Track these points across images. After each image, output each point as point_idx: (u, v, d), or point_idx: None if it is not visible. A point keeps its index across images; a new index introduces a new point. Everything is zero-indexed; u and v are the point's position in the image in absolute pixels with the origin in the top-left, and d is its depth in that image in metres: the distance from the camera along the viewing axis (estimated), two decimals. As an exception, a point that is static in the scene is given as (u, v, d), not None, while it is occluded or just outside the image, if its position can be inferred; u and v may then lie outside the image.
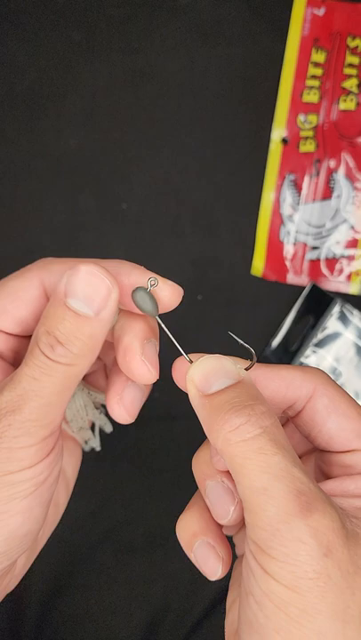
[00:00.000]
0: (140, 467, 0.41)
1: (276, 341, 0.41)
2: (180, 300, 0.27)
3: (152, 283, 0.25)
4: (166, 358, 0.44)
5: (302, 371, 0.25)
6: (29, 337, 0.27)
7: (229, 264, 0.42)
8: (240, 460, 0.21)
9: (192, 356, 0.25)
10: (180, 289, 0.27)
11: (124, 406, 0.27)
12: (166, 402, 0.42)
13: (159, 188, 0.42)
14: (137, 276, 0.25)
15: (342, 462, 0.24)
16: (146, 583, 0.40)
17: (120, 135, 0.43)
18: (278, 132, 0.42)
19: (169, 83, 0.42)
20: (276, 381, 0.24)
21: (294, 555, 0.19)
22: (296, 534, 0.19)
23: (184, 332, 0.42)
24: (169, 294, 0.26)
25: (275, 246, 0.42)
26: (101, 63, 0.42)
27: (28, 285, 0.25)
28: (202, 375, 0.24)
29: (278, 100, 0.42)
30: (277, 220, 0.42)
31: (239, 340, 0.26)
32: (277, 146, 0.42)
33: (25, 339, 0.27)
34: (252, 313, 0.42)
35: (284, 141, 0.42)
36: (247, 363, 0.25)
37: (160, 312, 0.26)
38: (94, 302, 0.22)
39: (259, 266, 0.42)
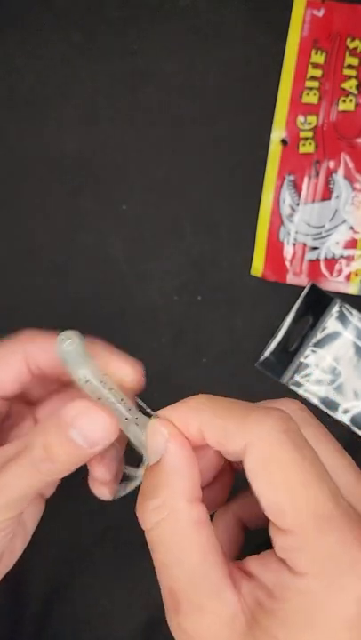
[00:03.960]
0: (139, 466, 0.41)
1: (275, 341, 0.41)
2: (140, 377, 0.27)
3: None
4: (166, 358, 0.44)
5: (242, 421, 0.22)
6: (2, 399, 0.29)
7: (229, 264, 0.42)
8: None
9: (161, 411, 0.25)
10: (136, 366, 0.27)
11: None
12: (166, 402, 0.42)
13: (159, 189, 0.43)
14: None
15: (270, 528, 0.22)
16: (146, 583, 0.40)
17: (120, 136, 0.43)
18: (278, 133, 0.42)
19: (168, 84, 0.43)
20: (215, 432, 0.23)
21: None
22: (171, 627, 0.21)
23: (184, 333, 0.42)
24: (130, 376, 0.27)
25: (274, 247, 0.42)
26: (101, 64, 0.43)
27: (11, 354, 0.28)
28: (148, 443, 0.24)
29: (278, 101, 0.42)
30: (277, 220, 0.42)
31: (144, 406, 0.26)
32: (277, 147, 0.42)
33: None
34: (251, 313, 0.42)
35: (284, 142, 0.42)
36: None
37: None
38: (92, 439, 0.24)
39: (258, 266, 0.42)
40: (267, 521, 0.26)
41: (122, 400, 0.26)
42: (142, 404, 0.26)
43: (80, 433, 0.24)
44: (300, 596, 0.20)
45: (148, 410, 0.25)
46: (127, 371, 0.27)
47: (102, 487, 0.28)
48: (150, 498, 0.22)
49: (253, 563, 0.22)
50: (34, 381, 0.30)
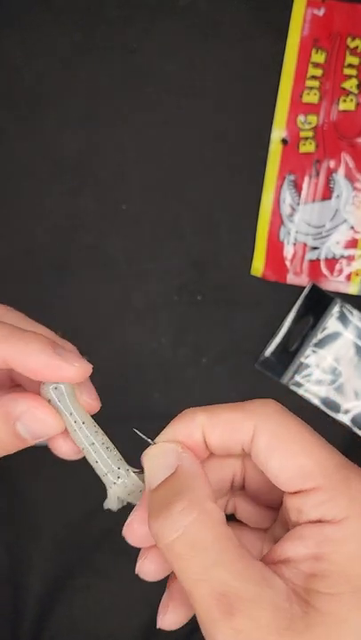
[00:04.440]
0: (139, 466, 0.41)
1: (275, 341, 0.41)
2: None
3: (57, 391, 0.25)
4: (166, 358, 0.44)
5: (242, 409, 0.23)
6: None
7: (229, 264, 0.42)
8: (169, 563, 0.21)
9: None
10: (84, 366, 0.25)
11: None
12: (165, 402, 0.42)
13: (159, 189, 0.43)
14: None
15: (293, 506, 0.22)
16: (146, 583, 0.40)
17: (120, 135, 0.43)
18: (278, 133, 0.42)
19: (168, 83, 0.42)
20: (219, 427, 0.23)
21: None
22: (221, 638, 0.19)
23: (184, 333, 0.42)
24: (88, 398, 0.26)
25: (275, 246, 0.42)
26: (101, 63, 0.43)
27: None
28: (147, 469, 0.24)
29: (278, 101, 0.42)
30: (277, 220, 0.42)
31: (142, 436, 0.25)
32: (277, 146, 0.42)
33: None
34: (251, 313, 0.42)
35: (284, 142, 0.42)
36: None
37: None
38: (37, 434, 0.24)
39: (259, 266, 0.42)
40: (263, 516, 0.26)
41: (108, 448, 0.25)
42: (140, 434, 0.26)
43: (26, 428, 0.24)
44: (350, 540, 0.21)
45: (148, 440, 0.25)
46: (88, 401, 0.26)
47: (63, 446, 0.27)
48: (173, 502, 0.22)
49: (284, 546, 0.22)
50: None
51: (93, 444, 0.25)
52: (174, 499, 0.22)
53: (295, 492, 0.22)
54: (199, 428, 0.24)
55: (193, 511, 0.21)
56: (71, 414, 0.25)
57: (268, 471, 0.22)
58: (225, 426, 0.23)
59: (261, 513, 0.26)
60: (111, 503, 0.26)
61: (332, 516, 0.21)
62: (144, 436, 0.25)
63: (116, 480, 0.25)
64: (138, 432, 0.25)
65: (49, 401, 0.25)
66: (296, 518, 0.22)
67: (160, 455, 0.24)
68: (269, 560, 0.22)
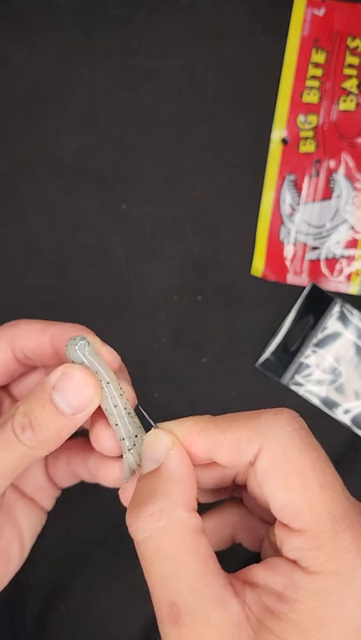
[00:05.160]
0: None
1: (276, 341, 0.41)
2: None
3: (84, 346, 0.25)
4: (166, 358, 0.44)
5: (250, 427, 0.22)
6: None
7: (229, 264, 0.42)
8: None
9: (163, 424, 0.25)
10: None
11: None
12: (166, 402, 0.42)
13: (159, 189, 0.43)
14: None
15: (279, 534, 0.21)
16: (146, 583, 0.40)
17: (120, 135, 0.43)
18: (278, 133, 0.42)
19: (169, 83, 0.42)
20: (226, 447, 0.22)
21: None
22: None
23: (184, 333, 0.42)
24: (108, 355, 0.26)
25: (275, 246, 0.42)
26: (101, 63, 0.42)
27: None
28: (144, 452, 0.24)
29: (278, 101, 0.42)
30: (277, 220, 0.42)
31: (146, 415, 0.25)
32: (277, 146, 0.42)
33: None
34: (252, 313, 0.42)
35: (284, 142, 0.42)
36: (204, 418, 0.24)
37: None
38: (75, 404, 0.23)
39: (259, 266, 0.42)
40: (256, 536, 0.26)
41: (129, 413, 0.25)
42: (145, 414, 0.25)
43: (63, 397, 0.23)
44: (315, 596, 0.20)
45: (151, 421, 0.25)
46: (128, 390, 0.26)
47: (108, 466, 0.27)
48: (146, 504, 0.21)
49: (256, 570, 0.21)
50: (19, 368, 0.29)
51: (117, 406, 0.25)
52: (147, 500, 0.22)
53: (283, 524, 0.21)
54: (204, 443, 0.23)
55: (161, 519, 0.21)
56: (97, 372, 0.24)
57: (263, 492, 0.22)
58: (232, 446, 0.22)
59: (264, 511, 0.26)
60: (124, 471, 0.26)
61: (308, 565, 0.20)
62: (147, 416, 0.25)
63: (132, 447, 0.25)
64: (142, 411, 0.25)
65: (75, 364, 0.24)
66: (279, 546, 0.21)
67: (152, 443, 0.23)
68: (241, 577, 0.22)
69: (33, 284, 0.42)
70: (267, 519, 0.26)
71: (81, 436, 0.33)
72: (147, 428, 0.25)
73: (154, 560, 0.21)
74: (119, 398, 0.25)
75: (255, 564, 0.22)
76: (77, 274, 0.42)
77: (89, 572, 0.41)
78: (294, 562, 0.21)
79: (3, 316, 0.42)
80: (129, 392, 0.26)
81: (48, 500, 0.32)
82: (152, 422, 0.24)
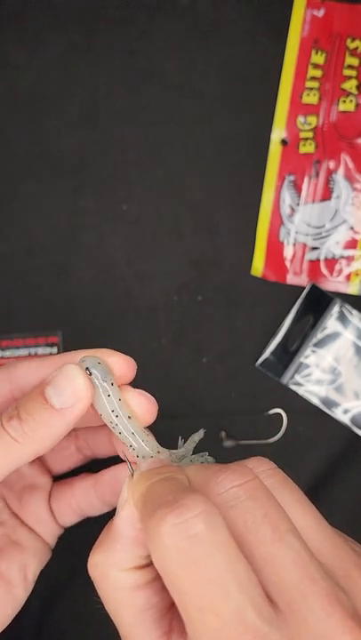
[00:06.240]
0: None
1: (275, 341, 0.41)
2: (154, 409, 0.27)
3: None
4: (166, 358, 0.44)
5: (146, 523, 0.20)
6: None
7: (229, 264, 0.42)
8: None
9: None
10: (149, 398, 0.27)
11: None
12: (166, 401, 0.42)
13: (159, 189, 0.43)
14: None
15: None
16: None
17: (120, 136, 0.43)
18: (278, 133, 0.42)
19: (169, 83, 0.43)
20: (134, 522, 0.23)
21: None
22: None
23: (184, 333, 0.42)
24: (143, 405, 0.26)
25: (275, 247, 0.42)
26: (101, 64, 0.43)
27: None
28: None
29: (278, 101, 0.42)
30: (277, 220, 0.42)
31: (128, 462, 0.25)
32: (277, 147, 0.42)
33: None
34: (252, 313, 0.42)
35: (284, 142, 0.42)
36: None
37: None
38: (64, 398, 0.23)
39: (259, 266, 0.42)
40: None
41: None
42: (127, 460, 0.26)
43: (54, 390, 0.23)
44: None
45: (129, 467, 0.24)
46: (142, 403, 0.26)
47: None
48: (93, 551, 0.23)
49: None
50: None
51: (116, 414, 0.25)
52: (95, 548, 0.23)
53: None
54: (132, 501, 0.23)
55: (97, 572, 0.22)
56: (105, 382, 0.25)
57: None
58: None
59: None
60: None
61: None
62: (129, 463, 0.25)
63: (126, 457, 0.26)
64: (125, 458, 0.25)
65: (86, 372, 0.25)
66: None
67: (122, 492, 0.23)
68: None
69: (33, 284, 0.42)
70: None
71: (86, 473, 0.34)
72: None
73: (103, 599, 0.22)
74: (118, 429, 0.25)
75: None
76: (77, 274, 0.42)
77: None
78: None
79: (3, 315, 0.42)
80: (140, 408, 0.26)
81: (50, 535, 0.32)
82: (129, 467, 0.24)
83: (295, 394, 0.41)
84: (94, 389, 0.25)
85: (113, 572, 0.22)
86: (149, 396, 0.27)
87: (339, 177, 0.42)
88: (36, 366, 0.27)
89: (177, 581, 0.18)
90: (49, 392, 0.23)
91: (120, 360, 0.26)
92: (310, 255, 0.42)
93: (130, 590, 0.22)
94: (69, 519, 0.32)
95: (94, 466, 0.35)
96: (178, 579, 0.18)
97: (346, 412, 0.41)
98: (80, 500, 0.31)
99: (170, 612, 0.22)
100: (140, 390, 0.27)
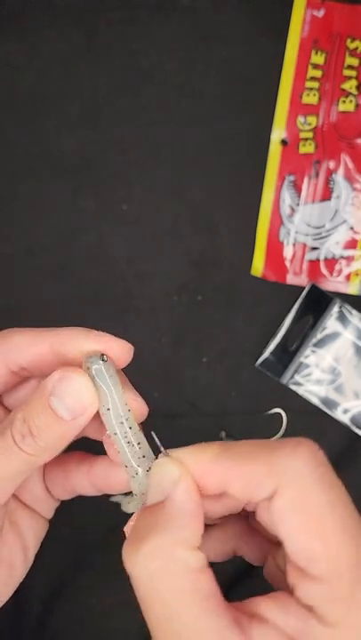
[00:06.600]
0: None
1: (275, 341, 0.41)
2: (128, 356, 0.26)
3: (104, 359, 0.25)
4: (166, 358, 0.44)
5: (267, 463, 0.20)
6: None
7: (229, 265, 0.42)
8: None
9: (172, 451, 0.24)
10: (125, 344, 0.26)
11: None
12: (166, 401, 0.42)
13: (159, 189, 0.43)
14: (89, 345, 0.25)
15: (292, 573, 0.20)
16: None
17: (120, 136, 0.43)
18: (278, 133, 0.42)
19: (169, 84, 0.43)
20: (240, 481, 0.21)
21: None
22: None
23: (184, 333, 0.42)
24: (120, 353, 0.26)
25: (274, 247, 0.42)
26: (101, 64, 0.43)
27: None
28: (150, 482, 0.23)
29: (278, 102, 0.42)
30: (277, 220, 0.42)
31: (158, 442, 0.24)
32: (277, 147, 0.42)
33: None
34: (251, 313, 0.42)
35: (284, 142, 0.42)
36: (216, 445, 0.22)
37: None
38: (74, 408, 0.23)
39: (258, 266, 0.42)
40: (260, 551, 0.25)
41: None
42: (157, 440, 0.24)
43: (61, 401, 0.23)
44: None
45: (162, 448, 0.23)
46: (136, 405, 0.26)
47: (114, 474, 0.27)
48: (144, 539, 0.20)
49: (265, 605, 0.20)
50: (12, 379, 0.28)
51: (116, 433, 0.24)
52: (147, 536, 0.21)
53: (298, 567, 0.20)
54: (219, 474, 0.21)
55: (158, 558, 0.20)
56: (110, 390, 0.24)
57: (278, 533, 0.20)
58: (247, 480, 0.21)
59: (272, 535, 0.24)
60: (120, 498, 0.26)
61: (324, 615, 0.19)
62: (159, 442, 0.24)
63: (135, 475, 0.24)
64: (155, 437, 0.24)
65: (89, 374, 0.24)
66: (292, 583, 0.20)
67: (159, 473, 0.22)
68: (248, 610, 0.20)
69: (33, 283, 0.42)
70: (274, 540, 0.26)
71: (78, 450, 0.33)
72: (156, 452, 0.24)
73: (153, 602, 0.20)
74: (118, 427, 0.24)
75: (263, 598, 0.21)
76: (77, 274, 0.42)
77: (90, 573, 0.41)
78: (309, 607, 0.20)
79: (3, 315, 0.42)
80: (139, 407, 0.25)
81: (47, 510, 0.31)
82: (162, 449, 0.23)
83: (295, 394, 0.41)
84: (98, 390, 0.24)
85: (179, 553, 0.20)
86: (141, 399, 0.26)
87: (339, 177, 0.42)
88: (33, 340, 0.26)
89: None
90: (57, 405, 0.23)
91: (115, 345, 0.26)
92: (310, 255, 0.42)
93: (195, 573, 0.20)
94: (65, 495, 0.32)
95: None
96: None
97: (346, 411, 0.41)
98: (74, 483, 0.31)
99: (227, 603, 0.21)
100: (136, 393, 0.27)
